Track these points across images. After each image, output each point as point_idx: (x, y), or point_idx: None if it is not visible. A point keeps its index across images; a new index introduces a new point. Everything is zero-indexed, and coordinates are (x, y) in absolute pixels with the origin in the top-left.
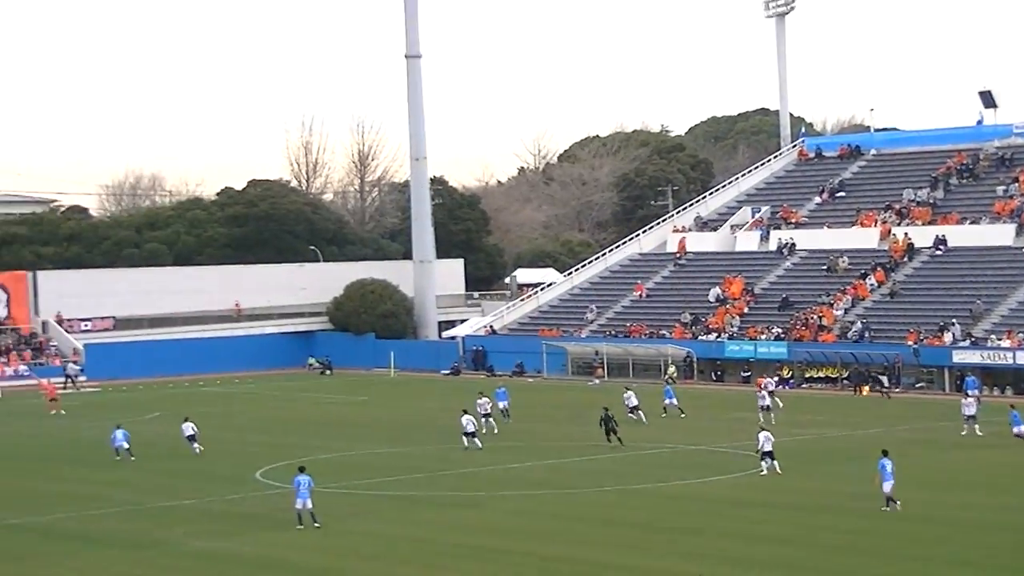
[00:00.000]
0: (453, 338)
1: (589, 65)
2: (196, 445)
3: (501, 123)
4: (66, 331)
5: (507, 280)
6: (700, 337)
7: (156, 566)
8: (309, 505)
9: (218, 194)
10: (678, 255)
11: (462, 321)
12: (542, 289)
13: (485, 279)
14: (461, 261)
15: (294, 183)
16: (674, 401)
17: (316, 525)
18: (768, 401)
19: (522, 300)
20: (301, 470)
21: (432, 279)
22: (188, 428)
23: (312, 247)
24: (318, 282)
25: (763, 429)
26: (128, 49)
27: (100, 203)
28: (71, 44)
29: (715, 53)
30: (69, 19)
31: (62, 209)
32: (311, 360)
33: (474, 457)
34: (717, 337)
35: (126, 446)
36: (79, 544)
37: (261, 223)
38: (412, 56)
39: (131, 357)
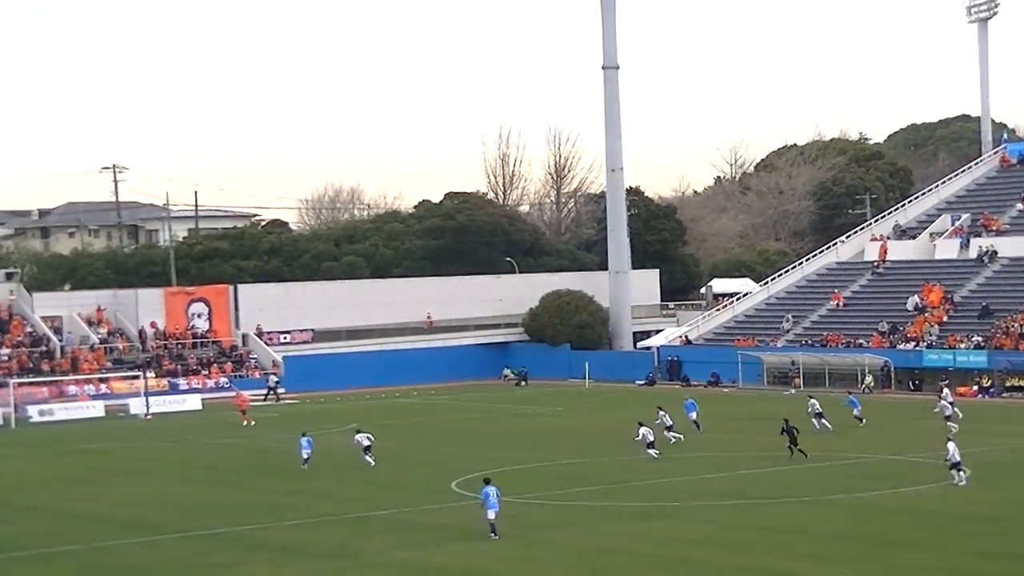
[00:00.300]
0: (648, 348)
1: (786, 73)
2: (369, 457)
3: (697, 133)
4: (266, 344)
5: (703, 290)
6: (898, 346)
7: None
8: (494, 516)
9: (416, 207)
10: (876, 264)
11: (657, 331)
12: (738, 299)
13: (680, 289)
14: (656, 271)
15: (491, 195)
16: (856, 412)
17: (495, 536)
18: (949, 411)
19: (718, 310)
20: (487, 481)
21: (628, 290)
22: (364, 439)
23: (508, 259)
24: (514, 293)
25: (950, 439)
26: (326, 65)
27: (300, 217)
28: (269, 62)
29: (915, 59)
30: (274, 38)
31: (263, 223)
32: (506, 371)
33: (667, 468)
34: (915, 346)
35: (308, 453)
36: (278, 554)
37: (458, 235)
38: (609, 67)
39: (329, 369)
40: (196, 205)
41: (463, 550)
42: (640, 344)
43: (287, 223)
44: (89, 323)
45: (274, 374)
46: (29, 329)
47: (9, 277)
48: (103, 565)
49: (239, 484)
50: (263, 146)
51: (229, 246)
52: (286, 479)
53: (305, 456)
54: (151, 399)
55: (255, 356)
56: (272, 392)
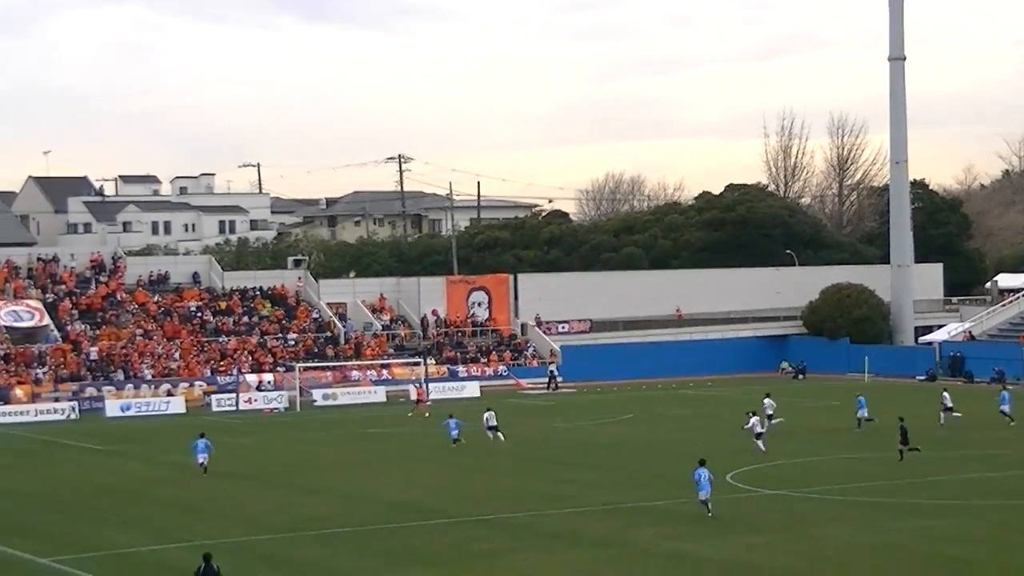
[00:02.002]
0: (930, 344)
1: None
2: (500, 435)
3: (985, 124)
4: (544, 333)
5: (988, 285)
6: None
7: (624, 566)
8: (706, 496)
9: (696, 198)
10: None
11: (939, 327)
12: None
13: (965, 284)
14: (940, 266)
15: (771, 187)
16: (1006, 408)
17: (709, 515)
18: None
19: (1003, 305)
20: (702, 463)
21: (910, 284)
22: (491, 417)
23: (788, 251)
24: (793, 286)
25: None
26: (611, 59)
27: (580, 207)
28: (558, 57)
29: None
30: (561, 34)
31: (543, 214)
32: (784, 364)
33: (954, 465)
34: None
35: (455, 434)
36: (552, 541)
37: (738, 227)
38: (895, 58)
39: (606, 359)
40: (478, 195)
41: (737, 543)
42: (921, 339)
43: (567, 214)
44: (372, 310)
45: (552, 362)
46: (315, 315)
47: (297, 264)
48: (382, 546)
49: (514, 472)
50: (543, 138)
51: (510, 236)
52: (562, 468)
53: (454, 436)
54: (431, 386)
55: (533, 345)
56: (552, 381)
